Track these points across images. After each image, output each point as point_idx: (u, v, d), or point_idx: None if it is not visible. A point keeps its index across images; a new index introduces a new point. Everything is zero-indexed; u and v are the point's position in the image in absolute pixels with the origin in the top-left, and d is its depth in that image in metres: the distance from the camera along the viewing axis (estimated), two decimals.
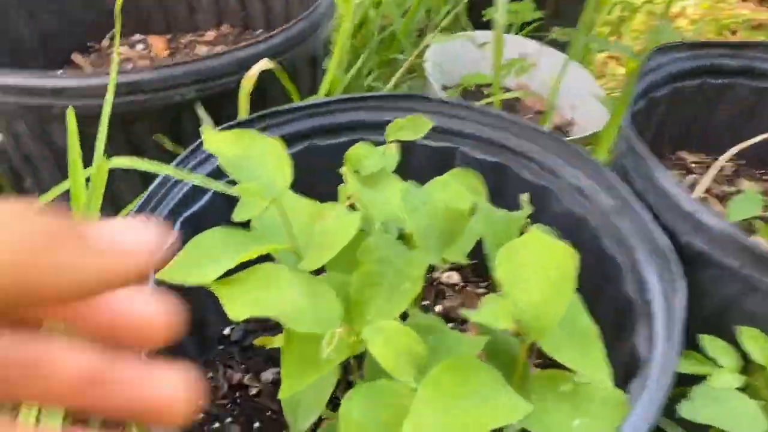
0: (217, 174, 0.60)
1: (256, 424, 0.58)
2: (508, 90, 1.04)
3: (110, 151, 0.61)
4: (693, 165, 0.85)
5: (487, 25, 1.11)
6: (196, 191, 0.60)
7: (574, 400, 0.46)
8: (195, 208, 0.60)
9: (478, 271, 0.78)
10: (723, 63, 0.80)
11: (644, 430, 0.44)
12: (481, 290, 0.76)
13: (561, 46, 1.12)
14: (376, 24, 1.07)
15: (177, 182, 0.59)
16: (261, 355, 0.64)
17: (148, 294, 0.23)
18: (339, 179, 0.54)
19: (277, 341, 0.49)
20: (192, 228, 0.55)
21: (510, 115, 0.64)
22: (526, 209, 0.50)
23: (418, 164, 0.66)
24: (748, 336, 0.54)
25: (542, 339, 0.43)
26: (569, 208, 0.61)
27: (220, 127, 0.57)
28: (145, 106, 0.71)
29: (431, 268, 0.76)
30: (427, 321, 0.49)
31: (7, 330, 0.20)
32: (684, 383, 0.51)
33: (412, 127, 0.53)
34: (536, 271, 0.43)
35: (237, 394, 0.61)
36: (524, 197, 0.50)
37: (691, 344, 0.52)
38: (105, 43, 1.11)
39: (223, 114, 0.70)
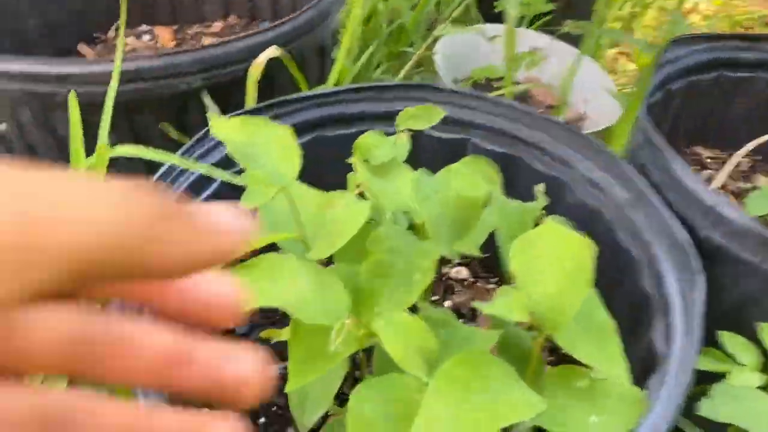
0: (225, 164, 0.59)
1: (262, 420, 0.57)
2: (518, 84, 1.03)
3: (114, 140, 0.59)
4: (708, 160, 0.83)
5: (497, 18, 1.09)
6: (203, 181, 0.58)
7: (590, 396, 0.44)
8: (201, 198, 0.58)
9: (487, 267, 0.76)
10: (740, 56, 0.78)
11: (663, 428, 0.42)
12: (491, 286, 0.74)
13: (572, 40, 1.11)
14: (385, 17, 1.06)
15: (183, 172, 0.57)
16: (267, 350, 0.63)
17: (223, 275, 0.23)
18: (348, 171, 0.52)
19: (284, 334, 0.48)
20: None
21: (522, 105, 0.63)
22: (541, 200, 0.49)
23: (428, 155, 0.65)
24: None
25: (557, 333, 0.42)
26: (583, 200, 0.59)
27: (227, 116, 0.56)
28: (150, 94, 0.69)
29: (440, 263, 0.75)
30: (438, 314, 0.47)
31: (91, 306, 0.20)
32: (702, 381, 0.49)
33: (424, 116, 0.51)
34: (552, 263, 0.41)
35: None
36: (539, 188, 0.49)
37: (710, 341, 0.51)
38: (111, 33, 1.10)
39: (230, 103, 0.69)
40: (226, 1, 1.14)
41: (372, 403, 0.40)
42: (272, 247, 0.43)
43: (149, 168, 0.56)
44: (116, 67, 0.61)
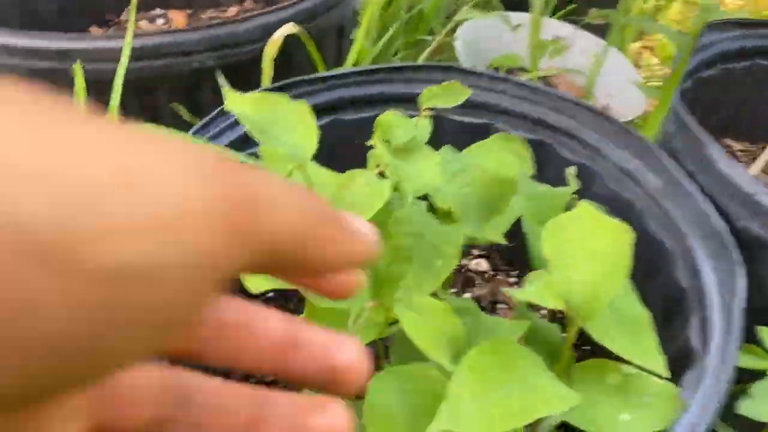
0: (238, 145, 0.56)
1: None
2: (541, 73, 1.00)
3: (123, 120, 0.57)
4: (739, 153, 0.80)
5: (518, 7, 1.06)
6: None
7: (623, 392, 0.41)
8: None
9: (508, 259, 0.74)
10: None
11: (701, 429, 0.40)
12: (512, 279, 0.72)
13: (596, 31, 1.08)
14: (405, 3, 1.03)
15: None
16: None
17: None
18: (366, 156, 0.50)
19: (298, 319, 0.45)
20: None
21: (550, 89, 0.60)
22: (573, 185, 0.46)
23: (450, 141, 0.62)
24: None
25: (590, 323, 0.39)
26: (613, 189, 0.57)
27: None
28: (160, 72, 0.67)
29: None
30: (462, 303, 0.45)
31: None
32: (741, 379, 0.46)
33: (448, 95, 0.48)
34: (587, 248, 0.39)
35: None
36: (571, 171, 0.46)
37: (749, 337, 0.48)
38: (124, 16, 1.08)
39: (245, 84, 0.66)
40: None
41: (390, 393, 0.37)
42: None
43: None
44: (126, 43, 0.59)
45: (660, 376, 0.40)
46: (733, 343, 0.43)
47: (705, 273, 0.48)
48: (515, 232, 0.47)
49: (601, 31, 1.08)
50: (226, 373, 0.55)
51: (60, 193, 0.12)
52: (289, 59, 0.66)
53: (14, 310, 0.12)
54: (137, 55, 0.65)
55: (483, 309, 0.67)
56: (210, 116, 0.57)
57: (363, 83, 0.63)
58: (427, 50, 0.87)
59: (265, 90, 0.59)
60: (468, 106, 0.62)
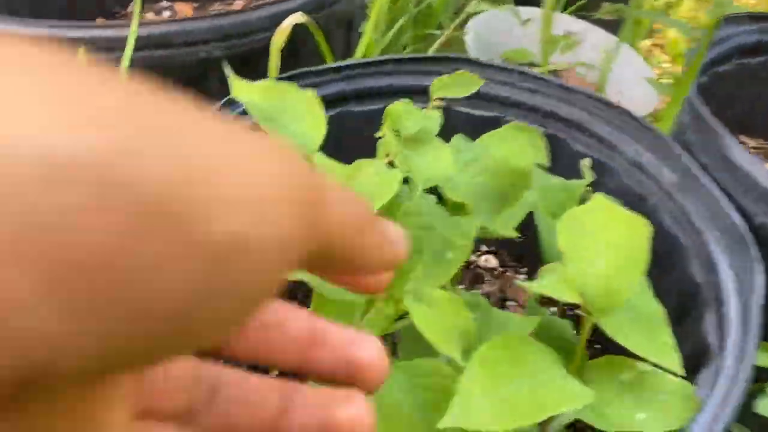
0: None
1: None
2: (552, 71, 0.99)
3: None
4: (753, 150, 0.79)
5: (528, 2, 1.05)
6: None
7: (637, 390, 0.40)
8: None
9: (517, 256, 0.72)
10: None
11: (718, 429, 0.38)
12: (521, 276, 0.71)
13: (608, 27, 1.07)
14: None
15: None
16: None
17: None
18: (375, 151, 0.49)
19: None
20: None
21: (562, 81, 0.59)
22: (587, 177, 0.45)
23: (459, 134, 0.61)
24: None
25: (605, 319, 0.38)
26: (626, 183, 0.55)
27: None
28: (167, 62, 0.66)
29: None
30: (471, 298, 0.44)
31: None
32: (759, 378, 0.45)
33: (459, 85, 0.47)
34: (603, 241, 0.37)
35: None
36: (585, 162, 0.45)
37: (766, 335, 0.46)
38: (130, 9, 1.07)
39: (252, 74, 0.65)
40: None
41: (400, 389, 0.36)
42: None
43: None
44: (132, 32, 0.58)
45: (675, 374, 0.39)
46: (751, 341, 0.42)
47: (721, 269, 0.47)
48: (525, 228, 0.46)
49: (612, 27, 1.07)
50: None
51: (181, 164, 0.13)
52: (297, 51, 0.65)
53: (128, 270, 0.12)
54: (144, 44, 0.64)
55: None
56: (216, 106, 0.56)
57: (372, 74, 0.62)
58: (436, 44, 0.86)
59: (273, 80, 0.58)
60: (478, 98, 0.61)
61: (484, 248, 0.74)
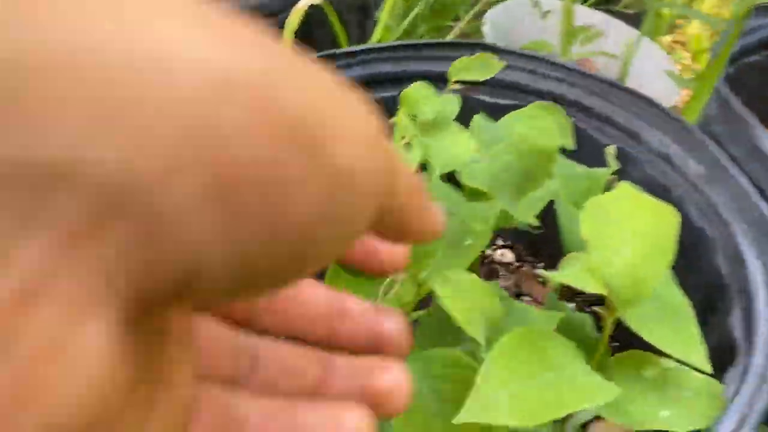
0: None
1: None
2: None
3: None
4: None
5: None
6: None
7: (661, 387, 0.39)
8: None
9: (533, 250, 0.71)
10: None
11: (748, 429, 0.37)
12: (538, 270, 0.69)
13: (628, 20, 1.05)
14: None
15: None
16: None
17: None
18: (391, 135, 0.47)
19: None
20: None
21: (586, 69, 0.57)
22: (612, 165, 0.43)
23: None
24: None
25: (629, 312, 0.36)
26: (650, 175, 0.54)
27: None
28: None
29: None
30: (492, 287, 0.42)
31: None
32: None
33: (479, 67, 0.46)
34: (629, 230, 0.36)
35: None
36: (610, 150, 0.43)
37: None
38: None
39: None
40: None
41: (416, 379, 0.35)
42: None
43: None
44: None
45: (701, 371, 0.38)
46: None
47: (749, 262, 0.45)
48: (543, 222, 0.45)
49: (633, 21, 1.04)
50: None
51: (316, 96, 0.14)
52: (311, 35, 0.64)
53: (273, 186, 0.13)
54: None
55: None
56: None
57: (388, 60, 0.60)
58: (452, 33, 0.84)
59: None
60: (497, 85, 0.59)
61: (500, 242, 0.72)
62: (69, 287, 0.12)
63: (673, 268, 0.41)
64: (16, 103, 0.11)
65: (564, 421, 0.43)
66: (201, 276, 0.13)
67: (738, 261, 0.46)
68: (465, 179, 0.44)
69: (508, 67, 0.59)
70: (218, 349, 0.21)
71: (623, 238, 0.35)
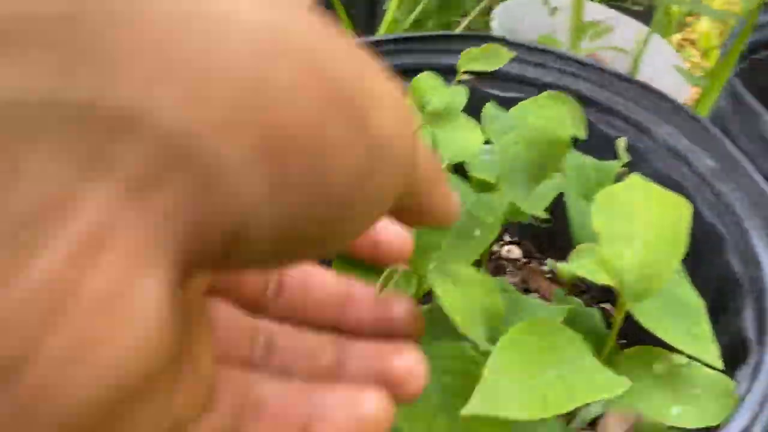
0: None
1: None
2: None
3: None
4: None
5: None
6: None
7: (672, 384, 0.38)
8: None
9: (541, 247, 0.70)
10: None
11: (760, 427, 0.36)
12: (545, 267, 0.68)
13: (638, 16, 1.04)
14: None
15: None
16: None
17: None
18: None
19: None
20: None
21: (595, 62, 0.56)
22: (623, 157, 0.42)
23: None
24: None
25: (638, 307, 0.36)
26: (660, 170, 0.53)
27: None
28: None
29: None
30: (498, 282, 0.41)
31: None
32: None
33: (489, 58, 0.45)
34: (641, 222, 0.35)
35: None
36: (621, 142, 0.42)
37: None
38: None
39: None
40: None
41: None
42: None
43: None
44: None
45: (713, 368, 0.37)
46: None
47: (763, 260, 0.44)
48: (551, 216, 0.44)
49: (643, 19, 1.04)
50: None
51: (358, 65, 0.15)
52: None
53: (319, 148, 0.13)
54: None
55: None
56: None
57: (395, 52, 0.59)
58: (460, 27, 0.83)
59: None
60: (506, 79, 0.59)
61: (507, 238, 0.71)
62: (129, 239, 0.12)
63: (684, 264, 0.40)
64: (89, 49, 0.11)
65: (571, 417, 0.42)
66: (248, 236, 0.13)
67: (751, 258, 0.45)
68: (473, 171, 0.43)
69: (517, 60, 0.59)
70: (235, 331, 0.21)
71: (635, 229, 0.35)
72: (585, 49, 0.87)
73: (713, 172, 0.50)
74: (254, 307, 0.22)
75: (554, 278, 0.66)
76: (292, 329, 0.22)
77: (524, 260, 0.69)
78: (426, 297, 0.39)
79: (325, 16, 0.15)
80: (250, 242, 0.14)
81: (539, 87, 0.58)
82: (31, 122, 0.10)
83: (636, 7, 0.98)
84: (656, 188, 0.36)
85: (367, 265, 0.33)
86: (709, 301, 0.43)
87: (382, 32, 0.67)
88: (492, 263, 0.68)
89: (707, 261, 0.48)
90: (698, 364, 0.38)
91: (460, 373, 0.33)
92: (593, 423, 0.48)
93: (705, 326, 0.37)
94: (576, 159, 0.41)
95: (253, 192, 0.13)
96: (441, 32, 0.59)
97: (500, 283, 0.42)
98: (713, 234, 0.48)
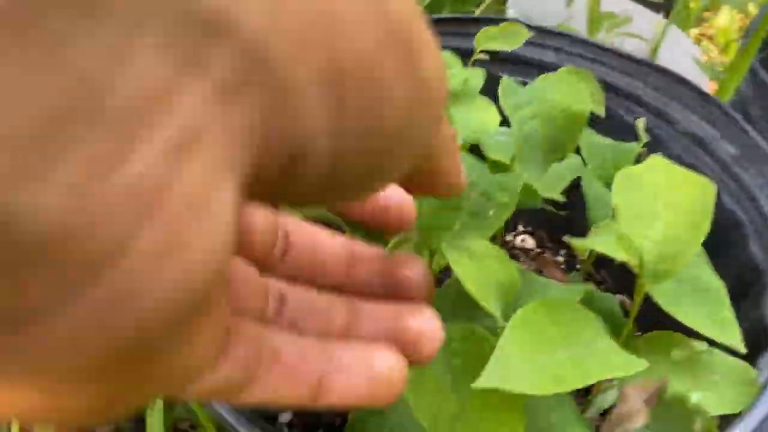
0: None
1: None
2: None
3: None
4: None
5: None
6: None
7: (691, 369, 0.37)
8: None
9: (554, 236, 0.69)
10: None
11: None
12: (560, 258, 0.67)
13: (655, 8, 1.03)
14: None
15: None
16: None
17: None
18: None
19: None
20: None
21: (613, 46, 0.55)
22: (642, 138, 0.41)
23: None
24: None
25: (657, 288, 0.35)
26: (679, 156, 0.52)
27: None
28: None
29: (504, 230, 0.67)
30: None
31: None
32: None
33: (507, 36, 0.44)
34: (662, 202, 0.34)
35: None
36: (640, 123, 0.41)
37: None
38: None
39: None
40: None
41: None
42: None
43: None
44: None
45: (736, 353, 0.36)
46: None
47: None
48: (566, 204, 0.43)
49: (660, 11, 1.02)
50: None
51: (410, 9, 0.15)
52: None
53: (377, 80, 0.14)
54: None
55: None
56: None
57: None
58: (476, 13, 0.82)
59: None
60: (524, 63, 0.58)
61: (520, 228, 0.70)
62: (214, 144, 0.12)
63: (704, 252, 0.39)
64: None
65: (587, 406, 0.41)
66: (305, 162, 0.14)
67: None
68: (489, 152, 0.43)
69: (535, 44, 0.58)
70: (247, 286, 0.21)
71: (656, 209, 0.34)
72: (605, 37, 0.86)
73: (734, 158, 0.48)
74: (262, 266, 0.22)
75: (568, 268, 0.65)
76: (302, 289, 0.22)
77: (538, 250, 0.68)
78: (438, 283, 0.38)
79: None
80: (306, 168, 0.14)
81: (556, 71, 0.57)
82: (143, 12, 0.10)
83: (654, 0, 0.97)
84: (678, 169, 0.35)
85: (377, 233, 0.32)
86: (730, 289, 0.42)
87: None
88: (505, 253, 0.67)
89: (728, 248, 0.47)
90: (718, 350, 0.37)
91: (470, 354, 0.32)
92: (605, 413, 0.47)
93: (727, 310, 0.36)
94: (593, 138, 0.40)
95: (315, 116, 0.13)
96: (457, 14, 0.58)
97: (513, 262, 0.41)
98: (734, 221, 0.47)
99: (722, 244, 0.48)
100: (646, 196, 0.34)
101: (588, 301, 0.40)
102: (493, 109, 0.43)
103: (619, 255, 0.30)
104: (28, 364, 0.11)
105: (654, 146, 0.53)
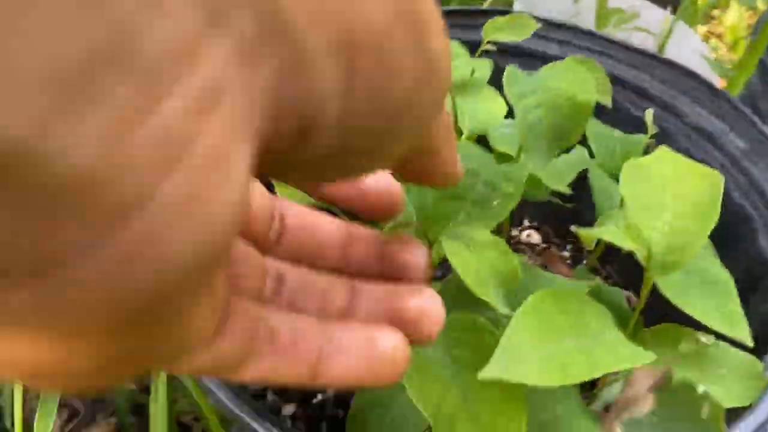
0: None
1: None
2: None
3: None
4: None
5: None
6: None
7: (699, 362, 0.36)
8: None
9: (561, 232, 0.68)
10: None
11: None
12: (566, 253, 0.67)
13: (662, 4, 1.02)
14: None
15: None
16: None
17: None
18: None
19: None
20: None
21: (620, 39, 0.55)
22: (650, 129, 0.41)
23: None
24: None
25: (666, 281, 0.34)
26: (687, 150, 0.51)
27: None
28: None
29: (510, 225, 0.67)
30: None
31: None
32: None
33: (514, 27, 0.44)
34: (670, 193, 0.34)
35: None
36: (648, 114, 0.41)
37: None
38: None
39: None
40: None
41: (434, 345, 0.33)
42: None
43: None
44: None
45: (743, 347, 0.35)
46: None
47: None
48: (572, 198, 0.43)
49: (667, 4, 1.02)
50: None
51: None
52: None
53: (386, 52, 0.14)
54: None
55: None
56: None
57: None
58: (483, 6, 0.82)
59: None
60: (529, 55, 0.57)
61: (526, 223, 0.70)
62: (235, 101, 0.12)
63: (713, 245, 0.39)
64: None
65: (593, 399, 0.41)
66: (314, 131, 0.14)
67: None
68: (495, 143, 0.42)
69: (542, 37, 0.57)
70: (246, 265, 0.21)
71: (664, 201, 0.33)
72: (612, 31, 0.86)
73: (744, 152, 0.48)
74: (258, 249, 0.22)
75: (574, 264, 0.65)
76: (302, 269, 0.22)
77: (543, 245, 0.68)
78: (441, 277, 0.38)
79: None
80: (315, 138, 0.14)
81: None
82: None
83: None
84: (686, 160, 0.35)
85: (364, 220, 0.32)
86: (739, 283, 0.41)
87: None
88: (510, 248, 0.67)
89: (736, 243, 0.47)
90: (725, 344, 0.37)
91: (472, 345, 0.32)
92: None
93: (735, 303, 0.36)
94: (602, 129, 0.40)
95: (327, 83, 0.13)
96: (464, 6, 0.58)
97: (519, 258, 0.40)
98: (743, 215, 0.46)
99: (731, 238, 0.48)
100: (654, 187, 0.34)
101: (595, 294, 0.39)
102: (501, 99, 0.42)
103: (627, 244, 0.30)
104: (48, 311, 0.11)
105: (662, 139, 0.52)
